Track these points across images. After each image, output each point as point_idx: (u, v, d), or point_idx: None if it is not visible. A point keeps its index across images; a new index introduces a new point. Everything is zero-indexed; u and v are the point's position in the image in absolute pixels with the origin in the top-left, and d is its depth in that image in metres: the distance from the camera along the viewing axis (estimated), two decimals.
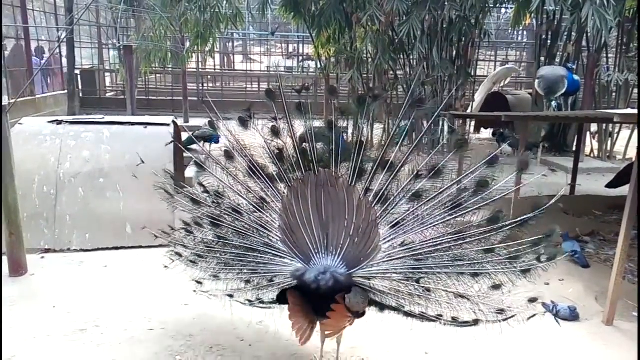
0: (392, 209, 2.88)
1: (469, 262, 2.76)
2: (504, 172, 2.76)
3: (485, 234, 2.74)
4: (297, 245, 2.89)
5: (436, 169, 2.83)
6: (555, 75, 7.93)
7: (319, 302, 2.66)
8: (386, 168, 2.87)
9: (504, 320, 2.75)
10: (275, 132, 3.13)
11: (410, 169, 2.87)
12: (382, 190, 2.86)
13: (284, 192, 3.03)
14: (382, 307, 2.97)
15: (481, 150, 10.82)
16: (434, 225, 2.81)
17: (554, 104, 8.18)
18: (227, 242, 3.17)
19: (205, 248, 3.29)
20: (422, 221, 2.83)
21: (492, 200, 2.72)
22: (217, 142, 3.48)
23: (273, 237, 3.01)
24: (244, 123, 3.24)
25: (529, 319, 2.73)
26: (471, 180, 2.79)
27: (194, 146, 9.17)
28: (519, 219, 2.66)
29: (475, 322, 2.81)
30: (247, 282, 3.18)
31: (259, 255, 3.01)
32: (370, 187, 2.86)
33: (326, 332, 2.97)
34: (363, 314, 2.90)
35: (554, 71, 8.14)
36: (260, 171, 3.14)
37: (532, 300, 2.77)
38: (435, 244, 2.80)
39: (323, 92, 13.75)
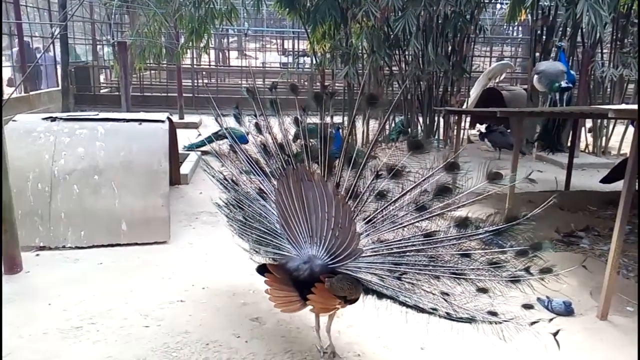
0: (363, 205, 2.95)
1: (446, 265, 2.77)
2: (467, 178, 2.72)
3: (456, 239, 2.74)
4: (290, 234, 3.09)
5: (394, 170, 2.85)
6: (555, 69, 7.90)
7: (305, 286, 2.82)
8: (350, 165, 2.95)
9: (498, 323, 2.73)
10: (258, 128, 3.43)
11: (372, 168, 2.92)
12: (352, 187, 2.93)
13: (274, 185, 3.24)
14: (379, 295, 3.03)
15: (473, 148, 10.85)
16: (404, 225, 2.85)
17: (564, 96, 8.09)
18: (251, 223, 3.49)
19: (241, 226, 3.65)
20: (392, 220, 2.88)
21: (457, 206, 2.71)
22: (245, 142, 3.56)
23: (276, 225, 3.24)
24: (237, 119, 3.58)
25: (532, 324, 2.69)
26: (431, 185, 2.78)
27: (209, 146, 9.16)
28: (492, 228, 2.64)
29: (470, 320, 2.81)
30: (274, 260, 3.36)
31: (273, 239, 3.28)
32: (340, 183, 2.95)
33: (314, 310, 3.06)
34: (354, 300, 2.99)
35: (553, 66, 8.11)
36: (255, 164, 3.43)
37: (527, 306, 2.75)
38: (408, 243, 2.84)
39: (318, 88, 13.75)
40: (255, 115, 3.41)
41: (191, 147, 9.22)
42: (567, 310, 3.92)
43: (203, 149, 9.22)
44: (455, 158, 2.75)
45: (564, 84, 7.74)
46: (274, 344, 3.41)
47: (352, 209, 2.86)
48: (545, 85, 7.97)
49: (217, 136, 4.14)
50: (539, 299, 3.87)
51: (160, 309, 3.86)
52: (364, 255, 2.87)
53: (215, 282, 4.31)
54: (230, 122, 3.71)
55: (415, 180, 2.81)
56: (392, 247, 2.87)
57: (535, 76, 8.11)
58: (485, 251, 2.70)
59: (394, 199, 2.86)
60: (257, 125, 3.43)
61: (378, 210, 2.90)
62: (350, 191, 2.93)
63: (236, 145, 3.55)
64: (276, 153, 3.26)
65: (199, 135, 5.99)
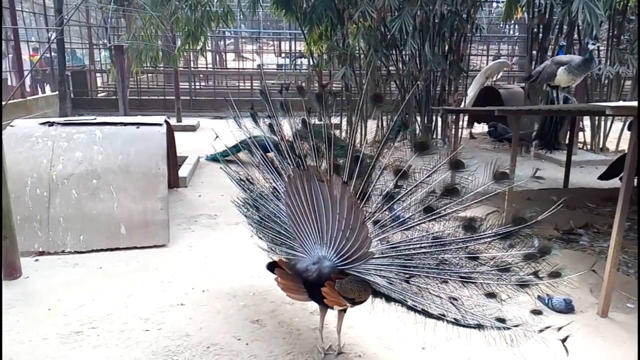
0: (372, 207, 2.93)
1: (454, 269, 2.75)
2: (473, 177, 2.68)
3: (463, 242, 2.71)
4: (300, 235, 3.12)
5: (401, 171, 2.84)
6: (577, 57, 7.80)
7: (315, 286, 2.87)
8: (358, 164, 2.91)
9: (506, 329, 2.69)
10: (272, 128, 3.42)
11: (379, 168, 2.90)
12: (361, 188, 2.91)
13: (284, 185, 3.26)
14: (387, 298, 3.03)
15: (471, 146, 10.86)
16: (412, 227, 2.84)
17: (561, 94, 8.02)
18: (267, 223, 3.53)
19: (258, 226, 3.70)
20: (400, 222, 2.86)
21: (464, 207, 2.68)
22: (268, 150, 3.48)
23: (288, 225, 3.28)
24: (254, 118, 3.58)
25: (540, 331, 2.64)
26: (438, 185, 2.76)
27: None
28: (502, 230, 2.61)
29: (478, 326, 2.78)
30: (288, 260, 3.38)
31: (288, 240, 3.32)
32: (349, 184, 2.92)
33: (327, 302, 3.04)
34: (360, 302, 2.99)
35: (572, 57, 8.01)
36: (270, 164, 3.45)
37: (536, 312, 2.69)
38: (416, 246, 2.83)
39: (316, 89, 13.75)
40: (269, 117, 3.43)
41: (214, 158, 8.61)
42: (568, 308, 3.92)
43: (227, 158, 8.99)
44: (457, 156, 2.70)
45: (590, 46, 7.54)
46: (275, 346, 3.40)
47: (363, 211, 2.86)
48: (577, 67, 7.61)
49: (243, 146, 3.79)
50: (539, 297, 3.85)
51: (160, 312, 3.85)
52: (374, 256, 2.88)
53: (215, 285, 4.31)
54: (249, 126, 3.69)
55: (420, 179, 2.79)
56: (400, 249, 2.86)
57: (561, 69, 7.72)
58: (493, 254, 2.66)
59: (401, 199, 2.85)
60: (270, 126, 3.45)
61: (386, 211, 2.89)
62: (359, 192, 2.91)
63: (258, 152, 3.53)
64: (287, 154, 3.25)
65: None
